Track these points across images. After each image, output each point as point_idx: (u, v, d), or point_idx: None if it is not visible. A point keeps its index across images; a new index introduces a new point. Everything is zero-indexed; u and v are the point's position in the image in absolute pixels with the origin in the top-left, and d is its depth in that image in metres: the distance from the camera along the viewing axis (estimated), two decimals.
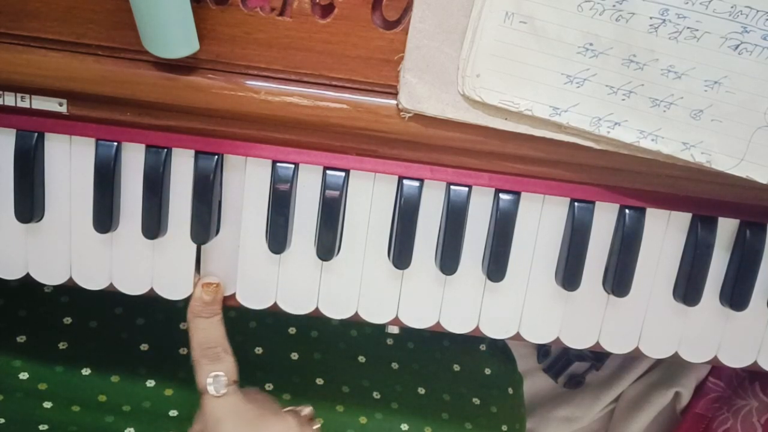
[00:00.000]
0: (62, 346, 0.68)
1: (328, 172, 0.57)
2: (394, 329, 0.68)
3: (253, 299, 0.60)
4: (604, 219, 0.59)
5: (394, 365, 0.75)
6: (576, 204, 0.58)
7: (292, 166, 0.56)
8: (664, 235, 0.60)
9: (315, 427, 0.59)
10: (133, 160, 0.57)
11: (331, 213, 0.57)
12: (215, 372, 0.56)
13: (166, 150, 0.56)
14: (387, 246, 0.59)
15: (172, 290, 0.60)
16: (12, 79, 0.53)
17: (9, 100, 0.54)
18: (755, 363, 0.63)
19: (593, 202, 0.58)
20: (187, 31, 0.51)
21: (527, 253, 0.59)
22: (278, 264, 0.59)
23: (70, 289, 0.60)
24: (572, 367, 0.94)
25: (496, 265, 0.58)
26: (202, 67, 0.53)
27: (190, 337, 0.58)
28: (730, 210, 0.58)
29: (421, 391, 0.74)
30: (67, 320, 0.70)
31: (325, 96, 0.54)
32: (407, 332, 0.75)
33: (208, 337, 0.57)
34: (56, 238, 0.59)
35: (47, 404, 0.65)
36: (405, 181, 0.57)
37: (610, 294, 0.60)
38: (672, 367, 0.92)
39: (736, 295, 0.60)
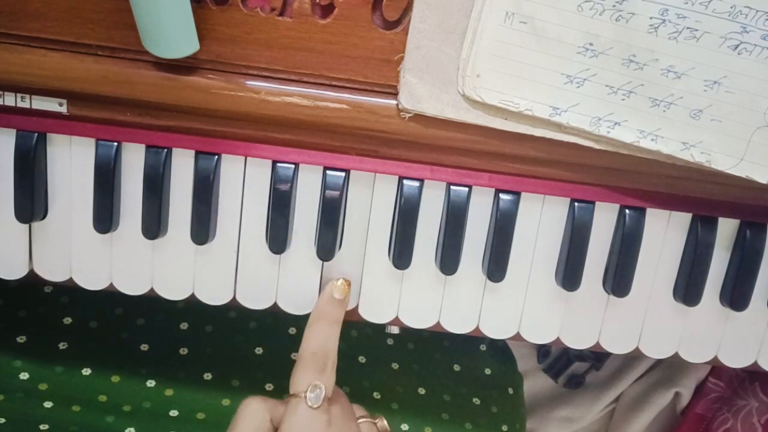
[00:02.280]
0: (62, 346, 0.68)
1: (328, 172, 0.57)
2: (394, 329, 0.68)
3: (254, 299, 0.60)
4: (604, 219, 0.59)
5: (395, 365, 0.75)
6: (576, 204, 0.58)
7: (292, 166, 0.56)
8: (664, 235, 0.60)
9: None
10: (133, 160, 0.57)
11: (331, 213, 0.57)
12: (317, 383, 0.54)
13: (166, 150, 0.56)
14: (387, 246, 0.59)
15: (172, 290, 0.60)
16: (12, 79, 0.53)
17: (9, 100, 0.54)
18: (755, 363, 0.63)
19: (593, 202, 0.58)
20: (187, 31, 0.51)
21: (527, 253, 0.59)
22: (278, 264, 0.59)
23: (70, 289, 0.60)
24: (572, 368, 0.94)
25: (496, 265, 0.58)
26: (202, 67, 0.53)
27: (305, 338, 0.55)
28: (730, 210, 0.58)
29: (422, 391, 0.74)
30: (67, 320, 0.70)
31: (325, 96, 0.54)
32: (407, 332, 0.75)
33: (323, 344, 0.55)
34: (56, 238, 0.59)
35: (48, 404, 0.65)
36: (405, 181, 0.57)
37: (610, 294, 0.60)
38: (672, 367, 0.92)
39: (736, 295, 0.60)
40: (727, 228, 0.60)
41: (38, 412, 0.64)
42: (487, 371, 0.78)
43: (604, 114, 0.52)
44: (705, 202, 0.58)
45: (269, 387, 0.70)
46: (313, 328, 0.56)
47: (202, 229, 0.57)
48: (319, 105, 0.54)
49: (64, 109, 0.55)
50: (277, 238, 0.57)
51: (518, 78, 0.52)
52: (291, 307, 0.60)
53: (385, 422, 0.58)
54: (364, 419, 0.57)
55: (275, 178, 0.56)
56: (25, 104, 0.55)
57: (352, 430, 0.55)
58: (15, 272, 0.60)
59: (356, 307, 0.61)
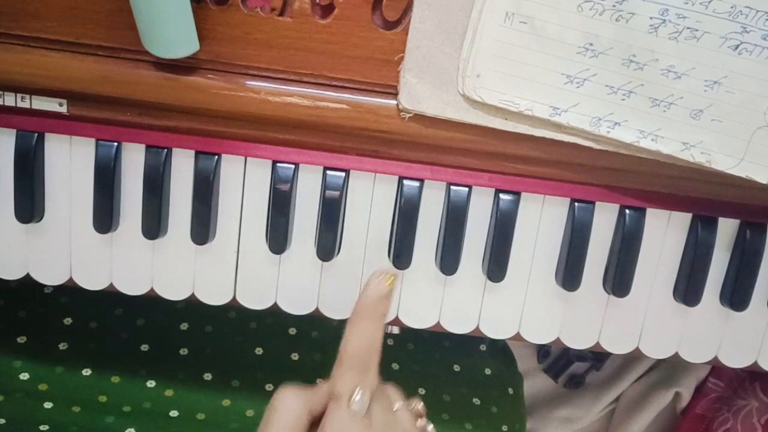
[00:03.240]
0: (62, 346, 0.68)
1: (328, 172, 0.57)
2: (394, 329, 0.68)
3: (253, 299, 0.60)
4: (604, 219, 0.59)
5: (395, 365, 0.75)
6: (576, 204, 0.58)
7: (292, 166, 0.56)
8: (664, 235, 0.60)
9: (421, 422, 0.55)
10: (133, 160, 0.57)
11: (331, 213, 0.57)
12: (362, 387, 0.50)
13: (166, 150, 0.56)
14: (387, 246, 0.59)
15: (172, 290, 0.60)
16: (12, 79, 0.53)
17: (9, 100, 0.54)
18: (755, 363, 0.63)
19: (593, 202, 0.58)
20: (187, 32, 0.51)
21: (527, 253, 0.59)
22: (278, 264, 0.59)
23: (70, 289, 0.60)
24: (572, 368, 0.94)
25: (496, 265, 0.58)
26: (202, 67, 0.53)
27: (347, 337, 0.51)
28: (730, 210, 0.58)
29: (422, 391, 0.74)
30: (67, 321, 0.70)
31: (325, 96, 0.54)
32: (407, 332, 0.75)
33: (367, 344, 0.51)
34: (56, 238, 0.59)
35: (48, 405, 0.65)
36: (405, 181, 0.57)
37: (610, 294, 0.60)
38: (672, 367, 0.92)
39: (736, 295, 0.60)
40: (727, 228, 0.60)
41: (38, 412, 0.64)
42: (487, 371, 0.78)
43: (604, 114, 0.52)
44: (705, 202, 0.58)
45: (269, 387, 0.70)
46: (356, 326, 0.52)
47: (202, 229, 0.57)
48: (319, 105, 0.54)
49: (64, 109, 0.55)
50: (277, 238, 0.57)
51: (518, 78, 0.52)
52: (291, 307, 0.60)
53: (421, 405, 0.55)
54: (399, 406, 0.54)
55: (275, 178, 0.56)
56: (25, 104, 0.55)
57: (392, 428, 0.52)
58: (15, 272, 0.60)
59: None
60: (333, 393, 0.51)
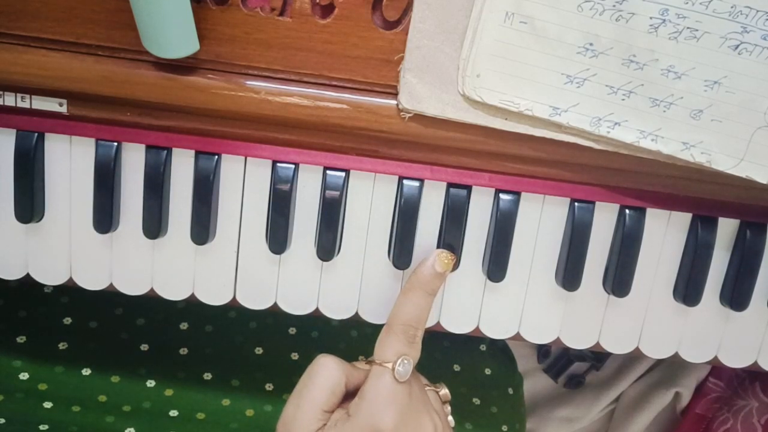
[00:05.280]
0: (62, 346, 0.68)
1: (328, 172, 0.57)
2: None
3: (253, 299, 0.60)
4: (604, 219, 0.59)
5: None
6: (576, 204, 0.58)
7: (292, 166, 0.56)
8: (664, 235, 0.60)
9: (447, 409, 0.58)
10: (133, 160, 0.57)
11: (331, 213, 0.57)
12: (406, 356, 0.52)
13: (166, 150, 0.56)
14: (387, 246, 0.59)
15: (172, 290, 0.60)
16: (12, 79, 0.53)
17: (9, 100, 0.54)
18: (755, 363, 0.63)
19: (593, 202, 0.58)
20: (187, 32, 0.51)
21: (527, 253, 0.59)
22: (278, 264, 0.59)
23: (70, 289, 0.60)
24: (572, 368, 0.94)
25: (496, 265, 0.58)
26: (202, 67, 0.53)
27: (398, 306, 0.54)
28: (730, 210, 0.58)
29: None
30: (67, 320, 0.70)
31: (325, 96, 0.54)
32: None
33: (417, 315, 0.54)
34: (56, 238, 0.59)
35: (47, 404, 0.65)
36: (405, 181, 0.57)
37: (610, 294, 0.60)
38: (672, 367, 0.92)
39: (736, 295, 0.60)
40: (727, 228, 0.60)
41: (38, 412, 0.64)
42: (487, 371, 0.78)
43: (604, 114, 0.52)
44: (705, 202, 0.58)
45: (269, 387, 0.70)
46: (408, 296, 0.54)
47: (202, 229, 0.57)
48: (319, 105, 0.54)
49: (64, 109, 0.55)
50: (277, 238, 0.57)
51: (518, 78, 0.52)
52: (291, 307, 0.60)
53: (446, 390, 0.58)
54: (427, 388, 0.57)
55: (275, 178, 0.56)
56: (25, 104, 0.55)
57: (427, 402, 0.54)
58: (15, 272, 0.60)
59: (356, 308, 0.61)
60: (378, 357, 0.52)
